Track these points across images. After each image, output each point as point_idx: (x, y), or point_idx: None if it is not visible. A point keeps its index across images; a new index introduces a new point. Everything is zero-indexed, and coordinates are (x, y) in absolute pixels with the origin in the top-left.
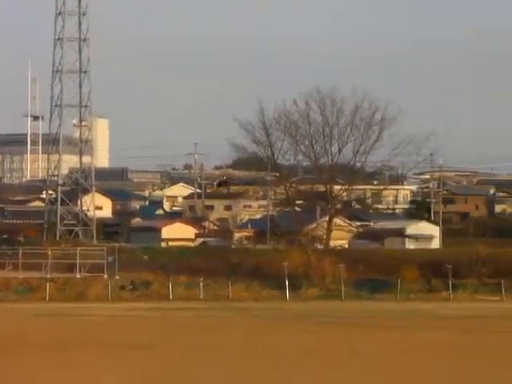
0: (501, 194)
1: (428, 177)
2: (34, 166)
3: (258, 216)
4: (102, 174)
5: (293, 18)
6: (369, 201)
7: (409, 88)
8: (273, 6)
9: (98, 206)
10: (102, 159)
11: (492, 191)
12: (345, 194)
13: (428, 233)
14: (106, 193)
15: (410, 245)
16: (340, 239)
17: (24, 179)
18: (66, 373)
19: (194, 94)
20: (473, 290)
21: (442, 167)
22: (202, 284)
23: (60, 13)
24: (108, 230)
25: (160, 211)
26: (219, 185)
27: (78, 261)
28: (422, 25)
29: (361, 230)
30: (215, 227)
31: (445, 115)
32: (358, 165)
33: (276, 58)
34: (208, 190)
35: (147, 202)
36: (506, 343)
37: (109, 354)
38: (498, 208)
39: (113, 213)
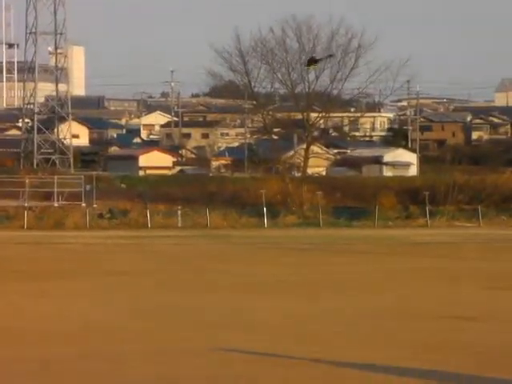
0: (477, 120)
1: (405, 104)
2: (9, 94)
3: (236, 144)
4: (78, 102)
5: None
6: (346, 128)
7: (386, 15)
8: None
9: (75, 135)
10: (78, 87)
11: (469, 118)
12: (322, 121)
13: (405, 160)
14: (82, 121)
15: (387, 172)
16: (318, 167)
17: (0, 107)
18: (41, 300)
19: (169, 21)
20: (450, 216)
21: (418, 94)
22: (180, 212)
23: None
24: (85, 158)
25: (137, 139)
26: None
27: (55, 189)
28: None
29: (338, 157)
30: (192, 155)
31: (421, 42)
32: (335, 92)
33: None
34: (185, 118)
35: (124, 131)
36: (477, 269)
37: (85, 280)
38: (475, 135)
39: (90, 141)
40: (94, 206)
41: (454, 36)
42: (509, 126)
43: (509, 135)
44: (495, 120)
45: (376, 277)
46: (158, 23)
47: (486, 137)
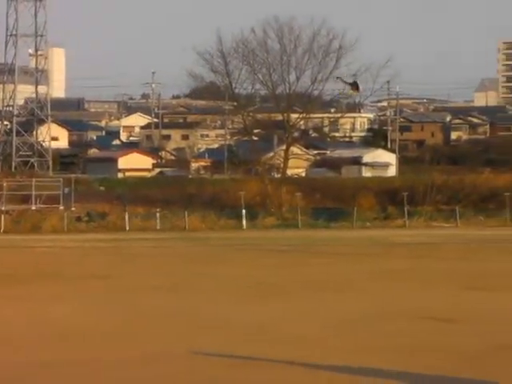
0: (457, 120)
1: (385, 104)
2: None
3: (216, 145)
4: (57, 104)
5: None
6: (326, 129)
7: (367, 16)
8: None
9: (54, 137)
10: (58, 89)
11: (448, 118)
12: (302, 122)
13: (384, 161)
14: (62, 123)
15: (366, 173)
16: (297, 168)
17: None
18: (20, 303)
19: (151, 23)
20: (428, 217)
21: (398, 95)
22: (158, 214)
23: None
24: (64, 160)
25: (117, 141)
26: None
27: (33, 192)
28: None
29: (318, 158)
30: (172, 157)
31: (401, 43)
32: (316, 93)
33: None
34: (165, 120)
35: (104, 133)
36: (455, 270)
37: (64, 284)
38: (454, 135)
39: (69, 143)
40: (73, 208)
41: (434, 36)
42: (488, 126)
43: (487, 135)
44: (474, 120)
45: (354, 278)
46: (138, 25)
47: (464, 137)
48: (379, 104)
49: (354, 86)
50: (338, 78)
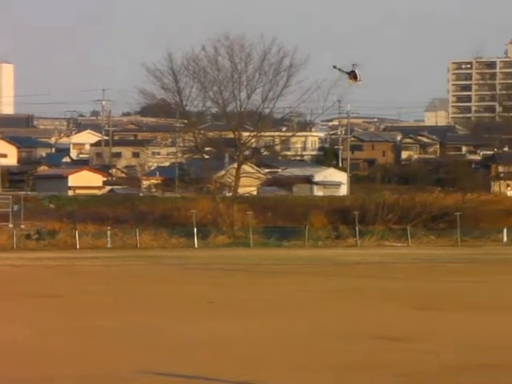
0: (407, 140)
1: (336, 123)
2: None
3: (167, 163)
4: (6, 120)
5: None
6: (277, 147)
7: (317, 34)
8: None
9: (3, 154)
10: (6, 106)
11: (399, 138)
12: (253, 140)
13: (336, 180)
14: (10, 140)
15: (318, 191)
16: (249, 186)
17: None
18: None
19: (101, 39)
20: (379, 236)
21: (349, 114)
22: (109, 233)
23: None
24: (13, 178)
25: (67, 159)
26: None
27: None
28: None
29: (269, 176)
30: (123, 175)
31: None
32: (267, 111)
33: (185, 5)
34: (116, 137)
35: (53, 150)
36: (405, 290)
37: (14, 303)
38: (405, 154)
39: (18, 161)
40: (22, 226)
41: (385, 56)
42: (438, 146)
43: (437, 155)
44: (424, 140)
45: (304, 297)
46: (89, 42)
47: (415, 156)
48: (330, 123)
49: (352, 75)
50: (334, 66)
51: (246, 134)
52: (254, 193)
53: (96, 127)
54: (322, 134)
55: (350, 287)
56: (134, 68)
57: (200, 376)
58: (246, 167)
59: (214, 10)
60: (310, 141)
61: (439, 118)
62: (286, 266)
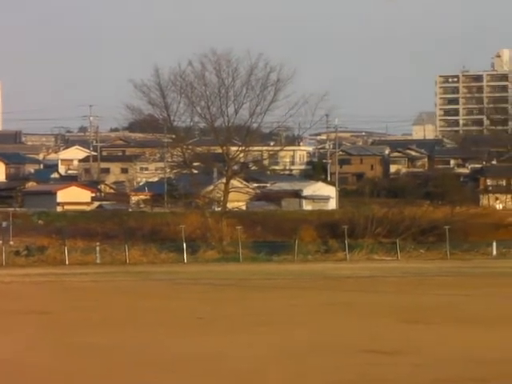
0: (395, 154)
1: (324, 137)
2: None
3: (155, 179)
4: None
5: None
6: (266, 162)
7: (305, 49)
8: None
9: None
10: None
11: (387, 151)
12: (242, 155)
13: (324, 194)
14: None
15: (307, 206)
16: (237, 201)
17: None
18: None
19: (88, 55)
20: (369, 250)
21: (337, 128)
22: (98, 248)
23: None
24: (1, 194)
25: (55, 175)
26: None
27: None
28: None
29: (258, 191)
30: (112, 190)
31: (340, 75)
32: (255, 126)
33: (171, 20)
34: (104, 153)
35: (42, 166)
36: (395, 303)
37: (3, 320)
38: (393, 168)
39: (6, 177)
40: (11, 243)
41: (372, 70)
42: (426, 159)
43: (426, 168)
44: (413, 153)
45: (294, 312)
46: (76, 57)
47: (403, 170)
48: (318, 137)
49: None
50: None
51: (234, 148)
52: (243, 207)
53: (84, 143)
54: (310, 148)
55: (340, 301)
56: (121, 83)
57: None
58: (235, 182)
59: (200, 25)
60: (299, 155)
61: (427, 132)
62: (276, 280)
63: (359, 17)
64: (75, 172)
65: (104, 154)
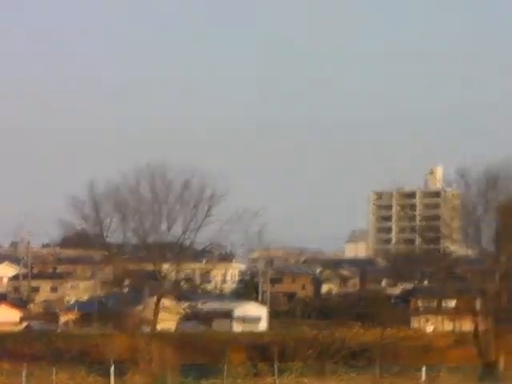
0: (327, 272)
1: (257, 255)
2: None
3: (86, 297)
4: None
5: (129, 97)
6: (197, 280)
7: (239, 165)
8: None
9: None
10: None
11: (318, 270)
12: (174, 273)
13: (255, 314)
14: None
15: (237, 327)
16: (168, 320)
17: None
18: None
19: (19, 169)
20: (299, 373)
21: (270, 245)
22: (24, 373)
23: None
24: None
25: None
26: None
27: None
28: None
29: (189, 311)
30: (41, 310)
31: (273, 193)
32: (188, 242)
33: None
34: (34, 270)
35: None
36: None
37: None
38: (325, 287)
39: None
40: None
41: (306, 187)
42: (357, 279)
43: (357, 288)
44: (344, 273)
45: None
46: (9, 171)
47: (335, 289)
48: (250, 255)
49: None
50: None
51: (166, 266)
52: (173, 327)
53: (14, 259)
54: (242, 266)
55: None
56: (54, 196)
57: None
58: (166, 301)
59: (136, 138)
60: (230, 273)
61: (360, 250)
62: None
63: (289, 131)
64: (4, 290)
65: (35, 271)
